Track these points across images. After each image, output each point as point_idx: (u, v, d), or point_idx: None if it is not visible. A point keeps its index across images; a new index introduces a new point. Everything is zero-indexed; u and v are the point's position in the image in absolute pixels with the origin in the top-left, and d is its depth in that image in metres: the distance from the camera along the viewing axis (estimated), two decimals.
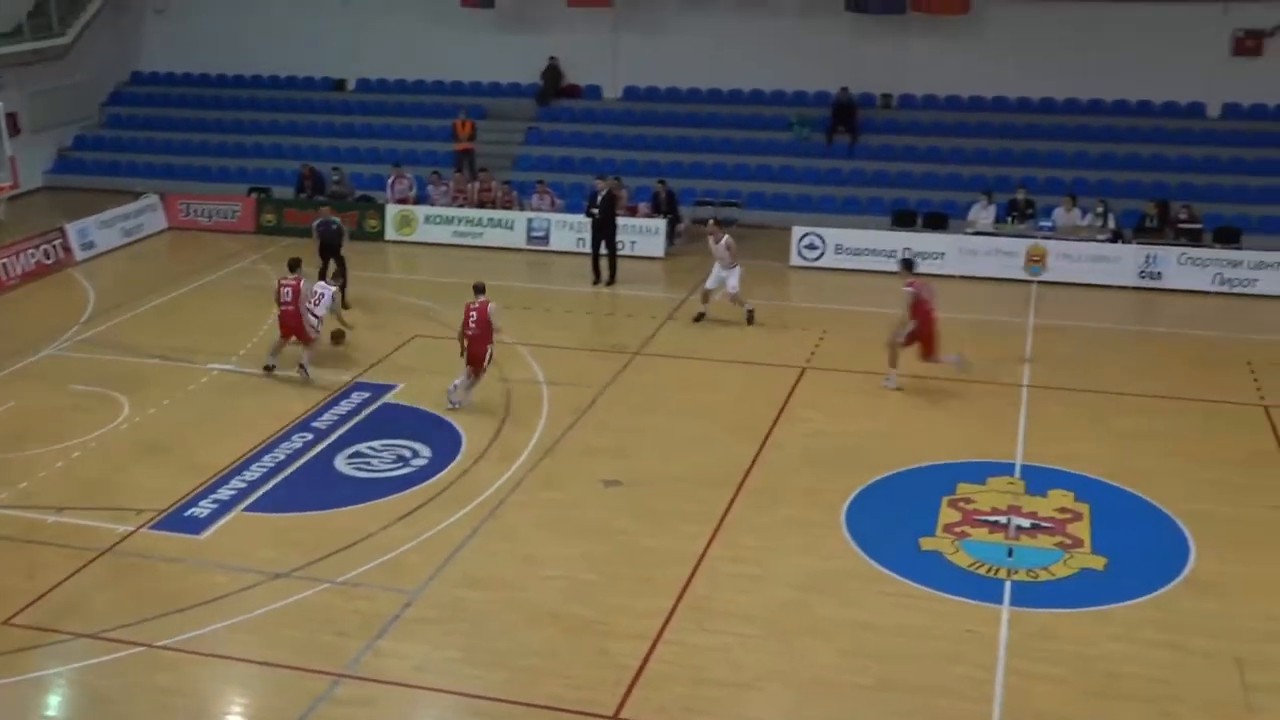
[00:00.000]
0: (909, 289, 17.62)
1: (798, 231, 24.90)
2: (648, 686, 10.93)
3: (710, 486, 14.70)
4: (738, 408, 17.27)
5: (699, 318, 21.01)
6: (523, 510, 14.25)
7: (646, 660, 11.28)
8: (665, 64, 30.53)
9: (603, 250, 23.40)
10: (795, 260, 24.64)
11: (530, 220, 26.34)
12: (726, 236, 20.94)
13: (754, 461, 15.47)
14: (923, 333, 17.63)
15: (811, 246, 24.64)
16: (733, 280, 20.78)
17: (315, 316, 18.57)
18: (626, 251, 24.52)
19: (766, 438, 16.19)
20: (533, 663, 11.32)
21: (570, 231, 25.65)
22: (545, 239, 26.18)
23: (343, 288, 21.18)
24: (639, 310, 21.84)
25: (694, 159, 29.09)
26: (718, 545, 13.39)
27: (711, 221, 22.06)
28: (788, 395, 17.68)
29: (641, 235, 25.48)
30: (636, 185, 27.04)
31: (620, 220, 24.33)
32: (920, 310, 17.54)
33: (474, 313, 17.06)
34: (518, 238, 26.24)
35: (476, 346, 17.04)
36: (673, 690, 10.90)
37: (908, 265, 18.69)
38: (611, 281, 23.32)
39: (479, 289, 17.37)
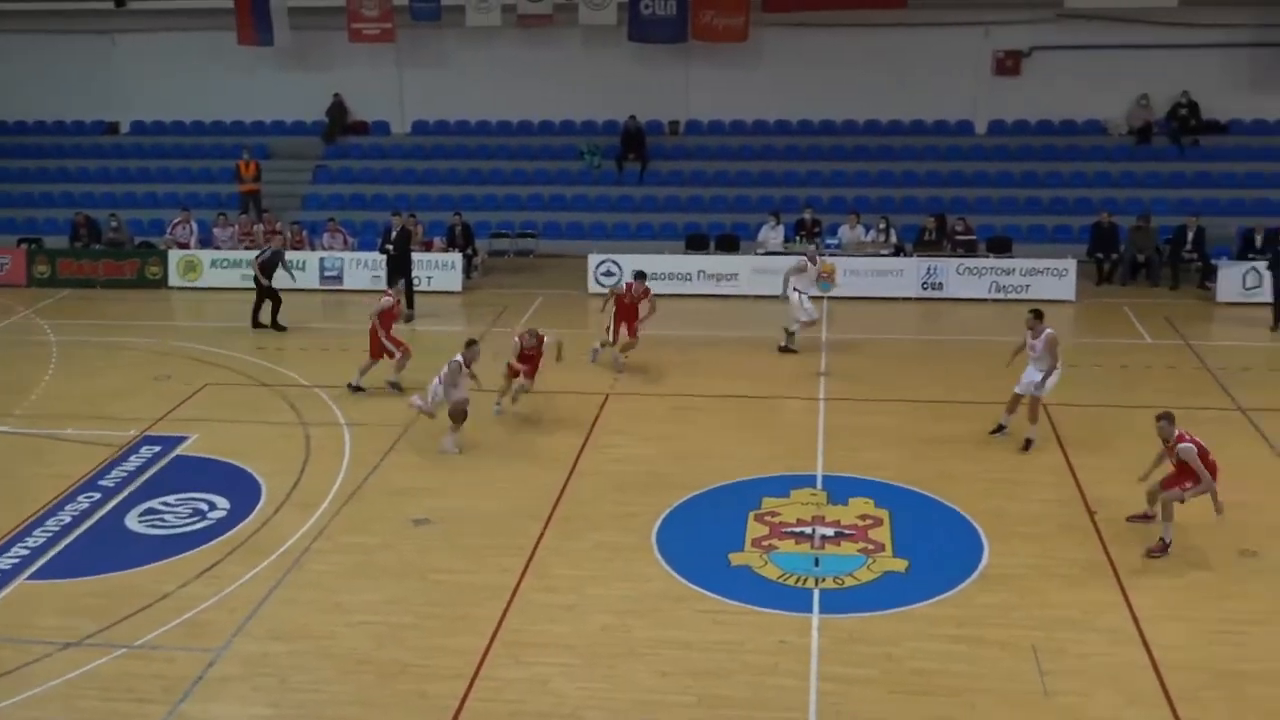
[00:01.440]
0: (388, 298, 19.22)
1: (594, 259, 25.12)
2: None
3: (520, 519, 14.62)
4: (544, 438, 17.26)
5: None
6: (329, 557, 13.89)
7: (465, 699, 11.12)
8: (453, 97, 30.46)
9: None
10: (593, 288, 24.82)
11: (323, 260, 25.83)
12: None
13: (563, 491, 15.47)
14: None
15: (608, 273, 24.87)
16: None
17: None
18: (423, 287, 24.29)
19: (574, 466, 16.22)
20: (347, 712, 11.03)
21: (365, 269, 25.26)
22: (339, 278, 25.71)
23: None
24: (439, 345, 21.61)
25: (487, 191, 29.08)
26: (531, 577, 13.33)
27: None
28: (593, 422, 17.76)
29: (438, 270, 25.28)
30: (431, 219, 26.84)
31: (416, 256, 24.11)
32: (386, 319, 18.96)
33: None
34: (310, 278, 25.69)
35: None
36: None
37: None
38: (409, 318, 23.05)
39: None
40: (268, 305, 22.78)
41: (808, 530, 14.25)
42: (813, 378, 19.44)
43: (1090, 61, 27.76)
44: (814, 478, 15.70)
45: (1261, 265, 23.56)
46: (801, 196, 27.22)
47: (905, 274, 24.36)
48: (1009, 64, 28.45)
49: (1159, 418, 13.74)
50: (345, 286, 25.48)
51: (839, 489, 15.31)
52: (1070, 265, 23.97)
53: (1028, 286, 23.94)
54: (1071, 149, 28.14)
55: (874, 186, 27.84)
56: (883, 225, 25.45)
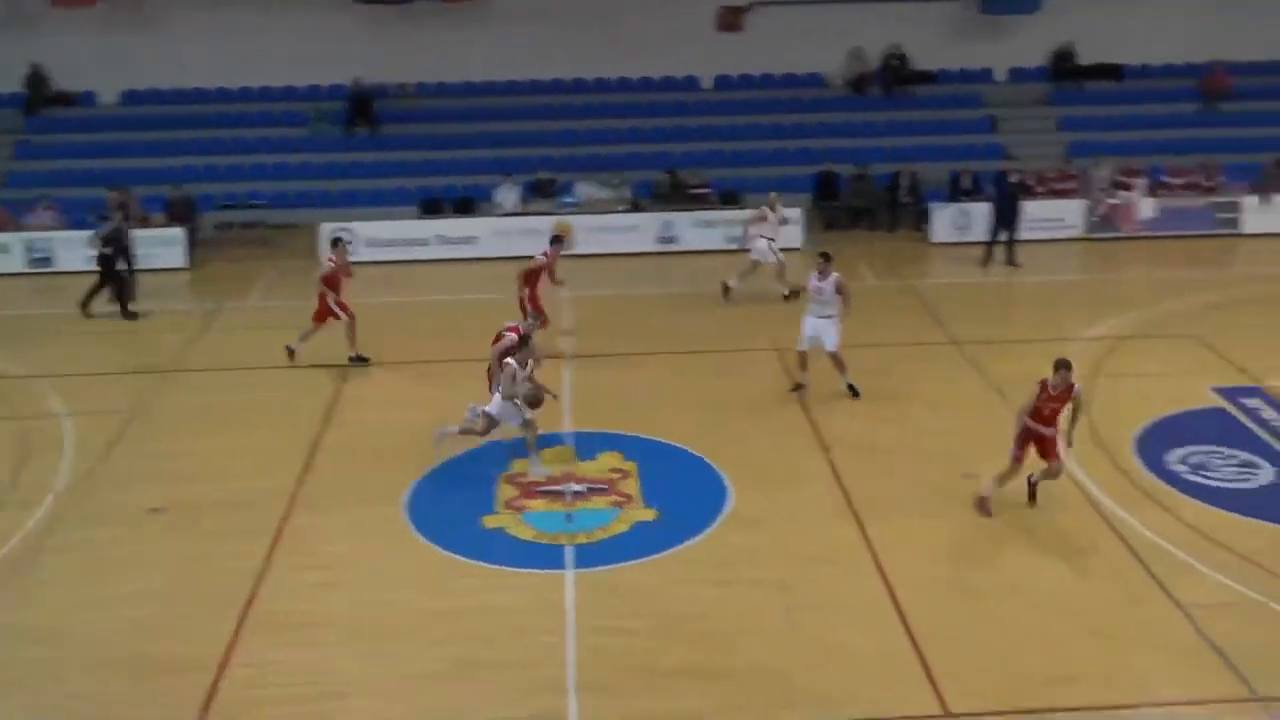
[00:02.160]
0: (330, 262, 18.57)
1: (326, 228, 24.50)
2: (230, 714, 10.49)
3: (265, 498, 14.25)
4: (285, 415, 16.83)
5: None
6: (60, 555, 13.19)
7: (214, 687, 10.82)
8: (166, 64, 29.01)
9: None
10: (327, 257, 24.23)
11: (31, 241, 24.28)
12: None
13: (307, 465, 15.15)
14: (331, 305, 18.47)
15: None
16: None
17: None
18: (144, 265, 23.16)
19: (317, 439, 15.90)
20: (97, 711, 10.56)
21: (78, 250, 23.87)
22: (49, 260, 24.23)
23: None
24: (165, 327, 20.74)
25: (207, 162, 27.92)
26: (280, 557, 13.03)
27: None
28: (335, 395, 17.43)
29: (160, 246, 24.16)
30: (148, 194, 25.58)
31: (137, 233, 22.95)
32: (332, 282, 18.44)
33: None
34: (14, 261, 24.11)
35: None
36: (261, 712, 10.52)
37: (334, 244, 19.14)
38: (130, 298, 21.88)
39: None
40: None
41: (558, 488, 14.44)
42: (556, 336, 19.61)
43: (808, 16, 28.77)
44: (562, 435, 15.89)
45: (971, 206, 25.14)
46: (536, 156, 27.29)
47: (642, 229, 24.82)
48: (731, 20, 29.20)
49: (1058, 366, 13.43)
50: (57, 269, 24.03)
51: (587, 445, 15.55)
52: (797, 214, 24.93)
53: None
54: (794, 101, 29.17)
55: (607, 144, 28.16)
56: (617, 181, 25.82)
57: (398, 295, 21.98)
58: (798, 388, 17.10)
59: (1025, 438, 13.59)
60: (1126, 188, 25.91)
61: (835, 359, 16.90)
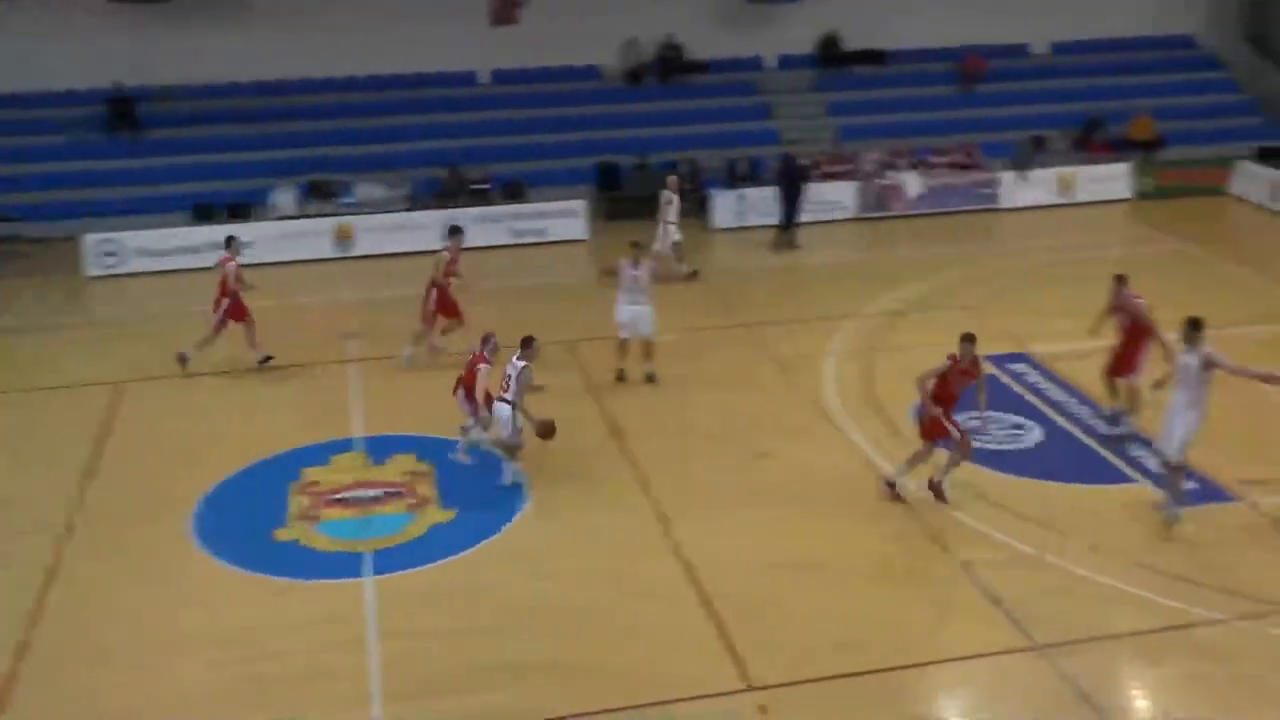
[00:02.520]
0: (230, 265, 17.74)
1: (91, 240, 23.40)
2: None
3: (33, 528, 13.51)
4: (54, 432, 16.00)
5: None
6: None
7: None
8: None
9: None
10: (94, 270, 23.16)
11: None
12: None
13: (83, 489, 14.44)
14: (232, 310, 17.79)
15: (110, 254, 23.27)
16: None
17: None
18: None
19: (95, 462, 15.17)
20: None
21: None
22: None
23: None
24: None
25: None
26: (60, 585, 12.39)
27: None
28: (109, 414, 16.66)
29: None
30: None
31: None
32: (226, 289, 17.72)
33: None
34: None
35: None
36: None
37: (228, 242, 18.33)
38: None
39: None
40: None
41: (352, 495, 14.16)
42: (341, 340, 19.21)
43: (583, 8, 28.83)
44: (353, 441, 15.58)
45: (750, 191, 25.76)
46: (312, 157, 26.64)
47: (426, 227, 24.48)
48: (505, 13, 29.05)
49: (965, 339, 13.61)
50: None
51: (380, 449, 15.29)
52: (580, 205, 25.07)
53: (544, 229, 24.83)
54: (573, 94, 29.26)
55: (385, 142, 27.69)
56: (397, 180, 25.45)
57: (171, 305, 21.12)
58: (621, 376, 17.26)
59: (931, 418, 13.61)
60: (895, 168, 26.95)
61: (649, 345, 17.11)
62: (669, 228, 22.09)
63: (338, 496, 14.13)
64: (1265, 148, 28.93)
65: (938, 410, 13.63)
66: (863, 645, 11.26)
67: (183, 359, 17.79)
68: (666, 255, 21.69)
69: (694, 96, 29.50)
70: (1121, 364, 15.31)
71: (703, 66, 29.98)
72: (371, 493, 14.19)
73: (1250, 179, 27.32)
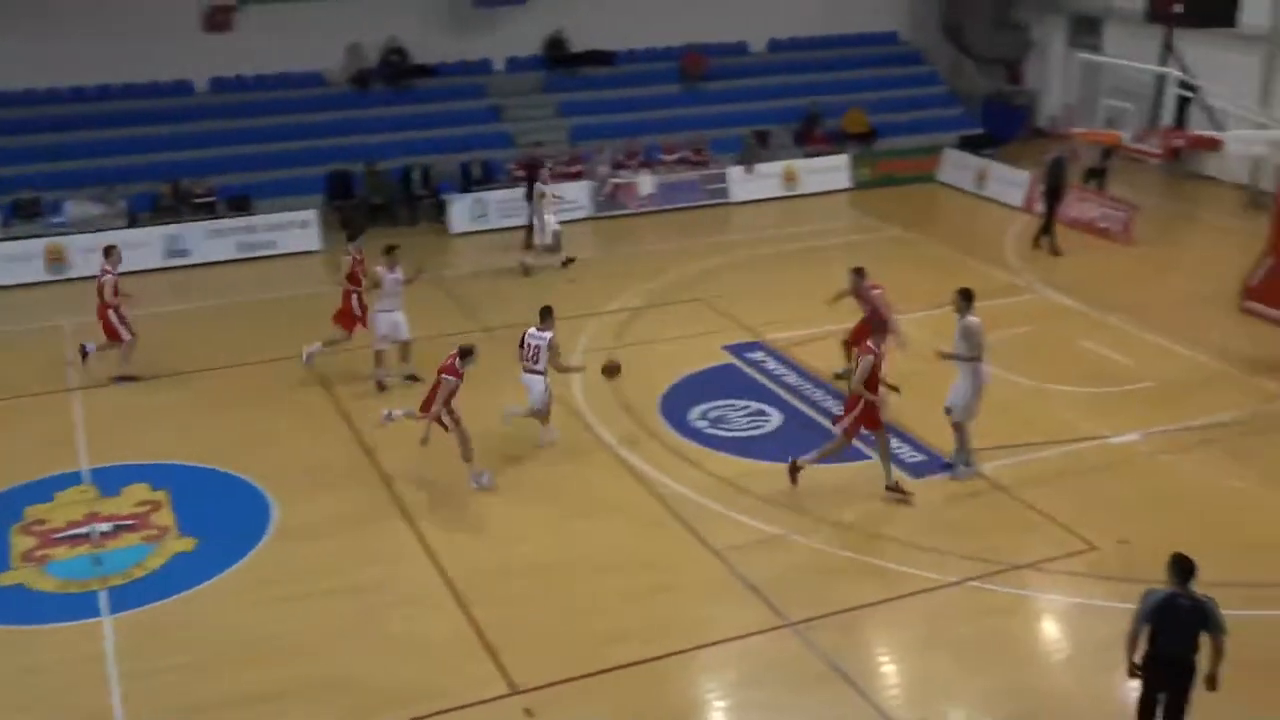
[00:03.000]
0: (107, 274, 17.45)
1: None
2: None
3: None
4: None
5: None
6: None
7: None
8: None
9: None
10: None
11: None
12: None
13: None
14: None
15: None
16: None
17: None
18: None
19: None
20: None
21: None
22: None
23: None
24: None
25: None
26: None
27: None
28: None
29: None
30: None
31: None
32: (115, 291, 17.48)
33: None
34: None
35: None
36: None
37: (107, 252, 17.77)
38: None
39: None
40: None
41: (83, 530, 13.37)
42: (61, 368, 18.11)
43: (301, 13, 28.08)
44: (80, 474, 14.72)
45: (486, 194, 25.72)
46: (15, 175, 24.96)
47: (147, 245, 23.34)
48: (219, 19, 27.98)
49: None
50: None
51: (110, 480, 14.51)
52: (311, 216, 24.42)
53: (274, 242, 24.05)
54: (296, 101, 28.42)
55: (97, 157, 26.20)
56: (113, 195, 24.16)
57: None
58: (381, 387, 17.05)
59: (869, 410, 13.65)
60: (627, 167, 27.40)
61: (407, 347, 17.11)
62: (547, 219, 22.58)
63: (66, 534, 13.31)
64: (966, 136, 30.87)
65: (875, 398, 13.65)
66: (625, 637, 11.41)
67: (128, 379, 17.56)
68: (547, 246, 22.57)
69: (423, 101, 29.17)
70: (859, 335, 16.13)
71: (430, 70, 29.69)
72: (103, 527, 13.44)
73: (956, 166, 29.07)
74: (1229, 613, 9.21)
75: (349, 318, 17.52)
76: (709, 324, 19.55)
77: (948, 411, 14.35)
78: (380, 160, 26.63)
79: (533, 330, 15.33)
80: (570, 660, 11.13)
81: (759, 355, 18.36)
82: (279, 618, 11.78)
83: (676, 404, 16.55)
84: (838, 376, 16.90)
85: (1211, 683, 9.17)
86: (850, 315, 16.86)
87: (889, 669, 11.38)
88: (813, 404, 16.57)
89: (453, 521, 13.57)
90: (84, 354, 17.88)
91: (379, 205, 26.18)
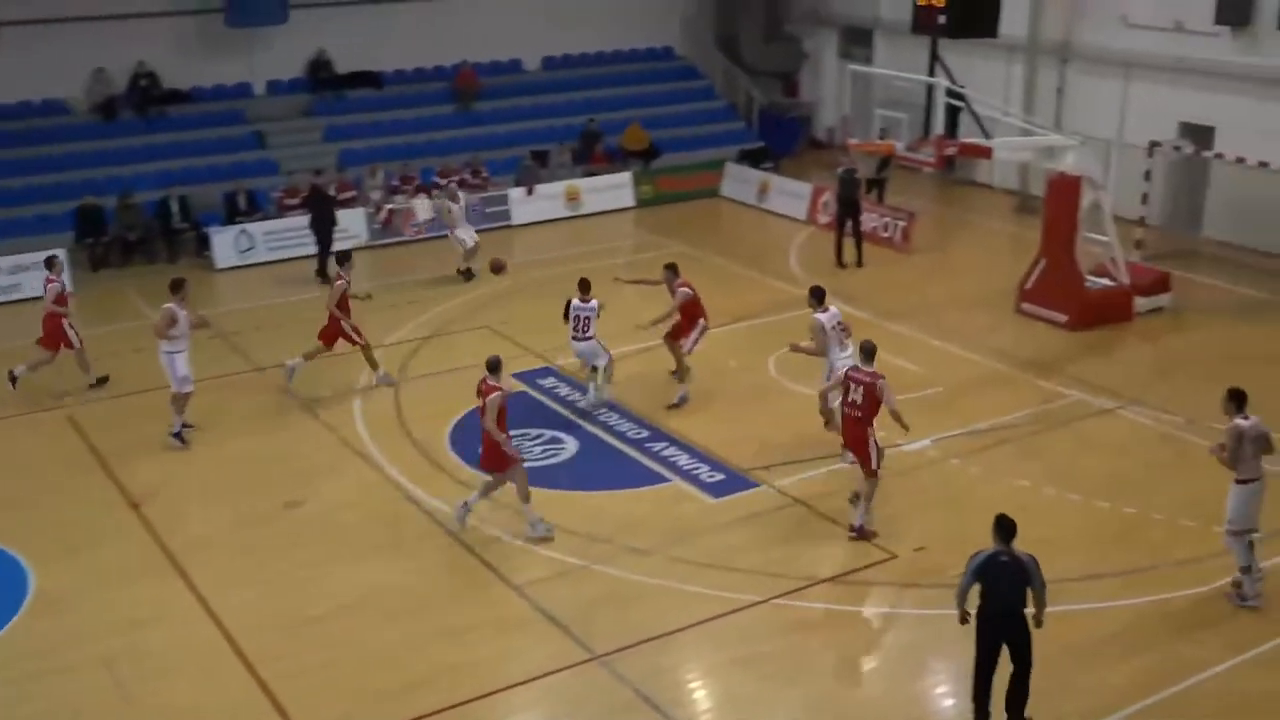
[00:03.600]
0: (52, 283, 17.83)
1: None
2: None
3: None
4: None
5: None
6: None
7: None
8: None
9: None
10: None
11: None
12: None
13: None
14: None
15: None
16: None
17: None
18: None
19: None
20: None
21: None
22: None
23: None
24: None
25: None
26: None
27: None
28: None
29: None
30: None
31: None
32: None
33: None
34: None
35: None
36: None
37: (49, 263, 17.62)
38: None
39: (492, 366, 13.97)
40: None
41: None
42: None
43: (37, 39, 26.79)
44: None
45: (252, 226, 25.00)
46: None
47: None
48: None
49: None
50: None
51: None
52: (60, 255, 23.19)
53: (18, 285, 22.79)
54: (36, 132, 27.07)
55: None
56: None
57: None
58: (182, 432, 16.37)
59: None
60: (402, 192, 27.09)
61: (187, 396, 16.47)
62: (461, 234, 23.54)
63: None
64: (745, 150, 31.70)
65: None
66: (426, 684, 11.22)
67: (103, 380, 18.02)
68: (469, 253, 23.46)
69: (178, 128, 28.20)
70: (678, 332, 17.16)
71: (184, 96, 28.75)
72: None
73: (738, 180, 29.80)
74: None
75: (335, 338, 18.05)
76: (496, 351, 19.42)
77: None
78: (134, 193, 25.56)
79: (576, 301, 16.78)
80: (370, 714, 10.87)
81: (550, 381, 18.39)
82: (40, 694, 11.15)
83: (467, 436, 16.39)
84: (673, 373, 17.61)
85: (1037, 623, 10.27)
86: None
87: (699, 693, 11.51)
88: (608, 429, 16.68)
89: (232, 576, 13.10)
90: (13, 380, 17.90)
91: (135, 241, 25.15)
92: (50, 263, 18.67)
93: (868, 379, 13.60)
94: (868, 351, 13.81)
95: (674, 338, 17.30)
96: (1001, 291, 21.39)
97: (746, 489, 14.93)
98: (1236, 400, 12.32)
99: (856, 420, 13.75)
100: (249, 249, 25.02)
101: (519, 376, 18.38)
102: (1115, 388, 17.78)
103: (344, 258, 18.67)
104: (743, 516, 14.30)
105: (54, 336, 17.99)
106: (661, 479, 15.21)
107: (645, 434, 16.46)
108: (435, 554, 13.55)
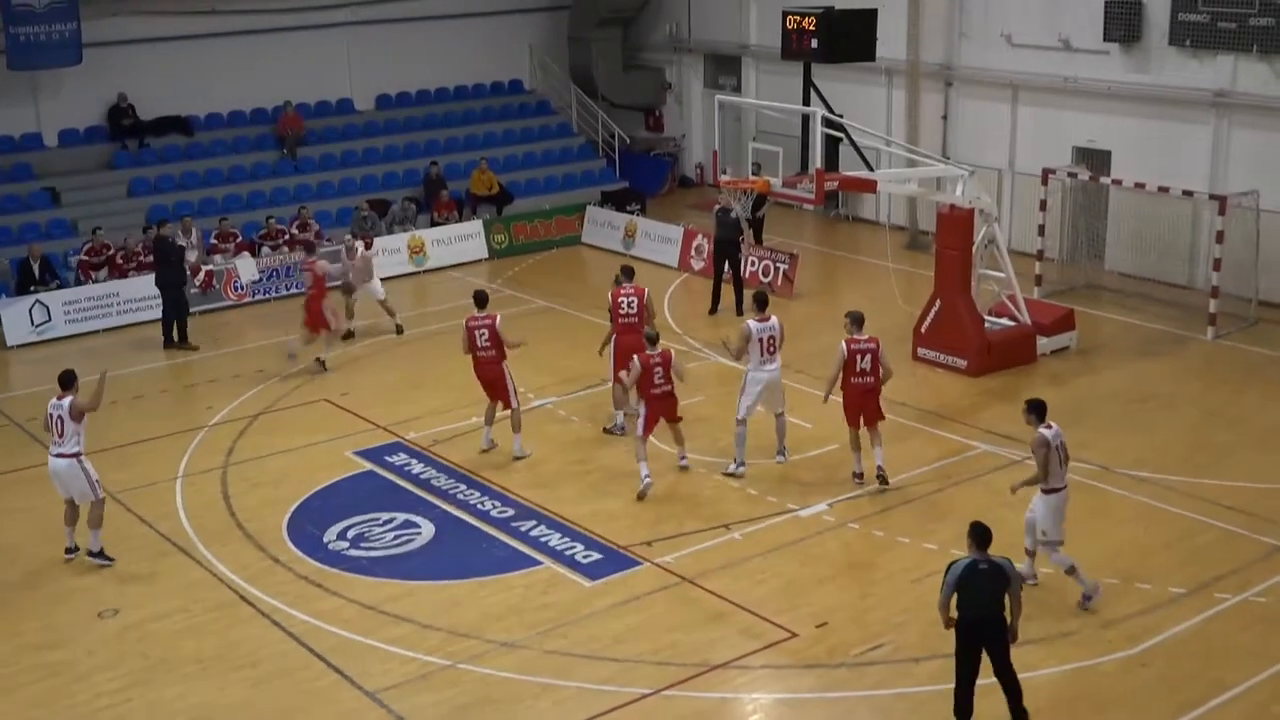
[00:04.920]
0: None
1: None
2: None
3: None
4: None
5: None
6: None
7: None
8: None
9: None
10: None
11: None
12: None
13: None
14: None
15: None
16: None
17: None
18: None
19: None
20: None
21: None
22: None
23: None
24: None
25: None
26: None
27: None
28: None
29: None
30: None
31: None
32: None
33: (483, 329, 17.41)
34: None
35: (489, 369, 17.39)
36: None
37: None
38: None
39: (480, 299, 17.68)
40: None
41: None
42: None
43: None
44: None
45: (49, 295, 24.27)
46: None
47: None
48: None
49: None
50: None
51: None
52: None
53: None
54: None
55: None
56: None
57: None
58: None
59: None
60: (221, 251, 26.60)
61: None
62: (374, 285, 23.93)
63: None
64: (607, 191, 31.91)
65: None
66: None
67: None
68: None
69: None
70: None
71: None
72: None
73: (601, 225, 29.93)
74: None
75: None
76: (337, 427, 19.20)
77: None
78: None
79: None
80: None
81: (400, 458, 18.15)
82: None
83: (307, 524, 16.09)
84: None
85: (1012, 635, 11.38)
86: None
87: None
88: (467, 507, 16.50)
89: (28, 704, 12.58)
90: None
91: None
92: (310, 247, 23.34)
93: (872, 344, 16.28)
94: (858, 319, 16.44)
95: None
96: (895, 336, 21.74)
97: (626, 568, 14.86)
98: (1037, 411, 13.67)
99: (868, 389, 16.34)
100: (45, 322, 24.26)
101: (362, 454, 18.13)
102: (1024, 436, 18.15)
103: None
104: (624, 600, 14.22)
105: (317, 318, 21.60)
106: (531, 562, 15.06)
107: (510, 511, 16.32)
108: (276, 662, 13.19)
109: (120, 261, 25.79)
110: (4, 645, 13.59)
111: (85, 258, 25.70)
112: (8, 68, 27.51)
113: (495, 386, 17.69)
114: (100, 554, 15.30)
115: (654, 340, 16.70)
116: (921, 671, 12.59)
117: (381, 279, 24.31)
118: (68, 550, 15.42)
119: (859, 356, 16.22)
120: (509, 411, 17.81)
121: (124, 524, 16.13)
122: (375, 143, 31.68)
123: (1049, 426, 13.49)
